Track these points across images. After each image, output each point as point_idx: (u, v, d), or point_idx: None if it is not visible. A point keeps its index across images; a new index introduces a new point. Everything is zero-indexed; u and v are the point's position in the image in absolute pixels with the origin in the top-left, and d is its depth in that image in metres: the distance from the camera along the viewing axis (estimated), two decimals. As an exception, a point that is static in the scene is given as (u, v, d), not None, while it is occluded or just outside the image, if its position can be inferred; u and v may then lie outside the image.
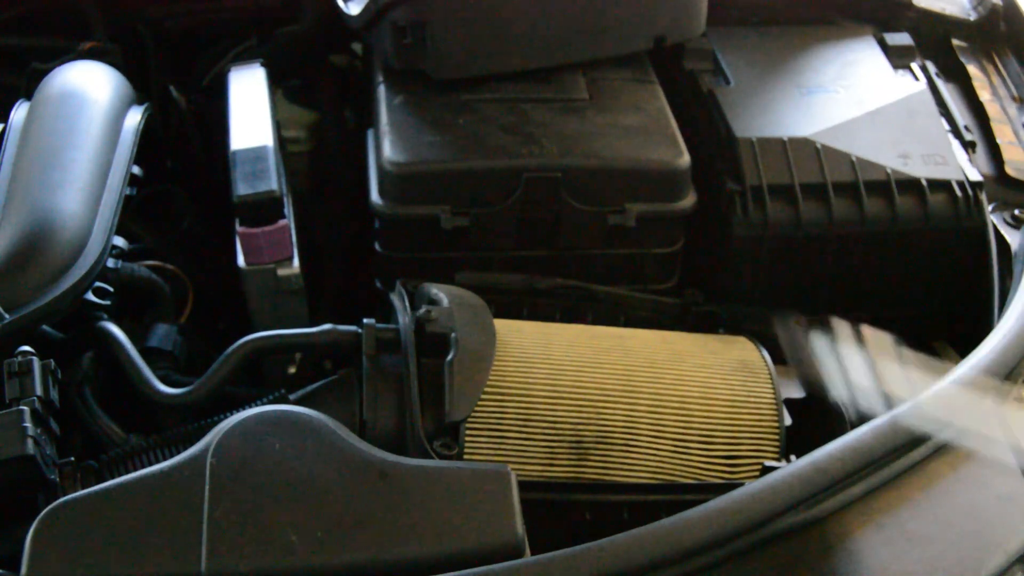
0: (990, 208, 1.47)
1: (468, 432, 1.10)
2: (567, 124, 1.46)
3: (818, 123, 1.53)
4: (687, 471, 1.14)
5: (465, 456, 1.10)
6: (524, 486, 1.01)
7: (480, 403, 1.11)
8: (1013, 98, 1.65)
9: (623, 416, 1.14)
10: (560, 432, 1.12)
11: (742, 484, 1.00)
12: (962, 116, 1.60)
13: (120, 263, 1.31)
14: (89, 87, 1.41)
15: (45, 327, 1.20)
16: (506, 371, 1.14)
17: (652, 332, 1.31)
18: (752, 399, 1.21)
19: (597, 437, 1.13)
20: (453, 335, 1.13)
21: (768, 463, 1.15)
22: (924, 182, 1.47)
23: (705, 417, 1.17)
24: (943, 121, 1.57)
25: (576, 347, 1.20)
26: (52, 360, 1.10)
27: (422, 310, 1.16)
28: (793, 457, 1.18)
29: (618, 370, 1.18)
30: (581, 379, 1.16)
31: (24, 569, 0.90)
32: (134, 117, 1.42)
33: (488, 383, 1.13)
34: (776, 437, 1.20)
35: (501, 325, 1.20)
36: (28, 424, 1.01)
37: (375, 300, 1.47)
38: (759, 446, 1.19)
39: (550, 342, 1.20)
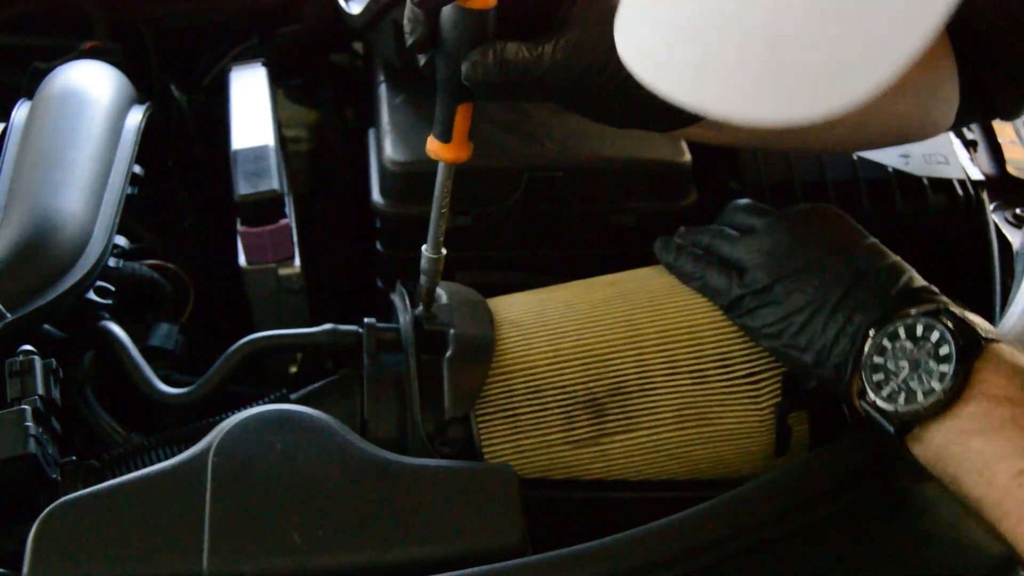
0: (991, 207, 1.46)
1: (480, 417, 1.09)
2: (568, 123, 1.46)
3: (819, 122, 1.53)
4: (709, 400, 1.10)
5: (482, 440, 1.08)
6: (525, 484, 1.01)
7: (486, 386, 1.10)
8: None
9: (633, 361, 1.11)
10: (572, 394, 1.10)
11: (747, 481, 1.00)
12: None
13: (121, 262, 1.31)
14: (90, 86, 1.41)
15: (46, 326, 1.20)
16: (505, 348, 1.12)
17: (646, 268, 1.24)
18: None
19: (611, 389, 1.10)
20: (451, 331, 1.13)
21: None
22: (925, 181, 1.47)
23: (718, 340, 1.11)
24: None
25: (572, 305, 1.17)
26: (54, 359, 1.10)
27: (420, 308, 1.16)
28: None
29: (619, 317, 1.14)
30: (583, 336, 1.13)
31: (26, 568, 0.91)
32: (135, 116, 1.42)
33: (491, 365, 1.11)
34: None
35: (493, 303, 1.19)
36: (30, 423, 1.01)
37: (377, 299, 1.47)
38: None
39: (544, 308, 1.17)
